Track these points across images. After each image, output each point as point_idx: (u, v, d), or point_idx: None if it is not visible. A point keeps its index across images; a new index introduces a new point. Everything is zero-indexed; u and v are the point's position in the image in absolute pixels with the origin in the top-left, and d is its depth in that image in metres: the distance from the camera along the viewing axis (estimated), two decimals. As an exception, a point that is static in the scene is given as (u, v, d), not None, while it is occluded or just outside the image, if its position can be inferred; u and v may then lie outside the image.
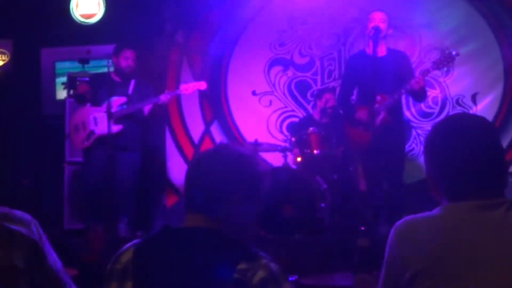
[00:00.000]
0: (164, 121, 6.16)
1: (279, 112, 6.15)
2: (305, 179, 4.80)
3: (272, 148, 5.26)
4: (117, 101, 4.86)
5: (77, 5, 6.28)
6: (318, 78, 6.11)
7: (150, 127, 5.39)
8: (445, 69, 5.24)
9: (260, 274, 1.32)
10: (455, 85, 5.74)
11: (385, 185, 4.63)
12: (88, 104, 5.03)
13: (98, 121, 4.87)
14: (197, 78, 6.03)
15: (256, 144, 5.07)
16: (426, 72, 4.38)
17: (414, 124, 5.79)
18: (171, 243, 1.41)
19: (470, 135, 1.46)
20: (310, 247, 4.35)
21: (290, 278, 3.47)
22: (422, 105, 5.65)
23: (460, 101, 5.74)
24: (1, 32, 6.24)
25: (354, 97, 4.81)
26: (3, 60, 6.38)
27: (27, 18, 6.14)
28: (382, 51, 4.53)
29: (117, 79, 4.98)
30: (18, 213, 1.60)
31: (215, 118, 6.23)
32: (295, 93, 6.15)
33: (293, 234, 4.57)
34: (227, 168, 1.47)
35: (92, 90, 4.94)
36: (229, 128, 6.19)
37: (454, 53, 4.32)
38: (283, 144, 5.27)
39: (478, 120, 1.54)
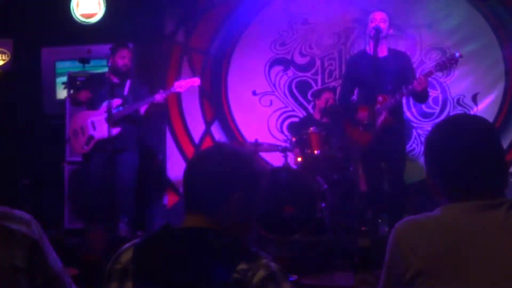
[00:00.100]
0: (164, 120, 6.16)
1: (279, 112, 6.15)
2: (306, 179, 4.79)
3: (273, 148, 5.26)
4: (113, 104, 4.87)
5: (77, 5, 6.29)
6: (319, 78, 6.11)
7: (147, 126, 5.38)
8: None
9: (261, 273, 1.32)
10: (456, 85, 5.74)
11: (385, 186, 4.63)
12: (85, 108, 5.04)
13: (96, 125, 4.89)
14: (197, 78, 6.04)
15: (257, 144, 5.07)
16: (429, 73, 4.37)
17: (414, 124, 5.79)
18: (171, 243, 1.41)
19: (471, 135, 1.46)
20: (310, 247, 4.34)
21: (290, 278, 3.46)
22: (423, 105, 5.64)
23: (460, 101, 5.73)
24: (2, 31, 6.24)
25: (354, 97, 4.81)
26: (4, 60, 6.38)
27: (28, 18, 6.14)
28: (383, 51, 4.53)
29: (113, 79, 4.98)
30: (18, 212, 1.59)
31: (216, 118, 6.23)
32: (296, 93, 6.14)
33: (293, 234, 4.57)
34: (225, 167, 1.47)
35: (92, 96, 4.94)
36: (229, 128, 6.20)
37: (457, 55, 4.30)
38: (283, 144, 5.27)
39: (479, 120, 1.54)
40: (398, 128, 4.57)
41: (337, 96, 5.49)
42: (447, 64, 4.31)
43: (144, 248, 1.43)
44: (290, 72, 6.15)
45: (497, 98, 5.65)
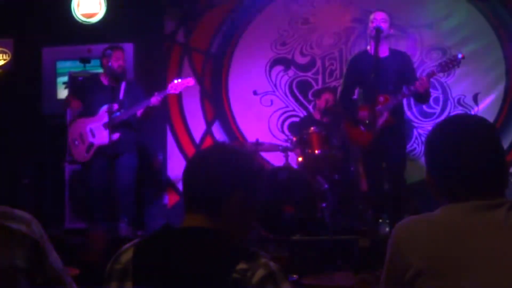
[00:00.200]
0: (165, 120, 6.16)
1: (280, 111, 6.15)
2: (306, 179, 4.79)
3: (273, 148, 5.26)
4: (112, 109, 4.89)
5: (78, 5, 6.29)
6: (319, 77, 6.11)
7: (147, 126, 5.38)
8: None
9: (260, 273, 1.32)
10: (457, 85, 5.74)
11: (386, 186, 4.63)
12: (81, 114, 5.07)
13: (95, 132, 4.90)
14: (198, 78, 6.04)
15: (257, 144, 5.08)
16: (431, 74, 4.37)
17: (415, 124, 5.79)
18: (171, 242, 1.41)
19: (471, 135, 1.46)
20: (310, 247, 4.35)
21: (290, 278, 3.47)
22: (424, 105, 5.64)
23: (461, 101, 5.73)
24: (3, 31, 6.24)
25: (355, 97, 4.80)
26: (4, 59, 6.38)
27: (28, 17, 6.15)
28: (384, 51, 4.53)
29: (108, 82, 4.98)
30: (19, 212, 1.59)
31: (217, 118, 6.23)
32: (296, 92, 6.14)
33: (293, 234, 4.56)
34: (225, 166, 1.46)
35: (86, 103, 4.97)
36: (230, 127, 6.20)
37: (460, 56, 4.29)
38: (284, 144, 5.26)
39: (479, 120, 1.53)
40: (399, 128, 4.57)
41: (337, 96, 5.49)
42: (450, 65, 4.31)
43: (144, 248, 1.43)
44: (291, 72, 6.15)
45: (497, 98, 5.65)
